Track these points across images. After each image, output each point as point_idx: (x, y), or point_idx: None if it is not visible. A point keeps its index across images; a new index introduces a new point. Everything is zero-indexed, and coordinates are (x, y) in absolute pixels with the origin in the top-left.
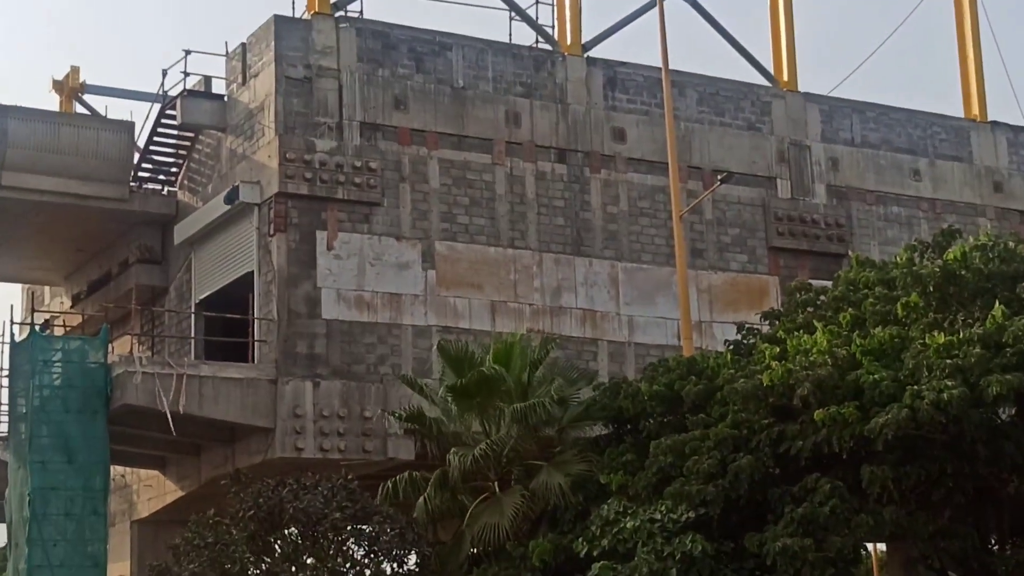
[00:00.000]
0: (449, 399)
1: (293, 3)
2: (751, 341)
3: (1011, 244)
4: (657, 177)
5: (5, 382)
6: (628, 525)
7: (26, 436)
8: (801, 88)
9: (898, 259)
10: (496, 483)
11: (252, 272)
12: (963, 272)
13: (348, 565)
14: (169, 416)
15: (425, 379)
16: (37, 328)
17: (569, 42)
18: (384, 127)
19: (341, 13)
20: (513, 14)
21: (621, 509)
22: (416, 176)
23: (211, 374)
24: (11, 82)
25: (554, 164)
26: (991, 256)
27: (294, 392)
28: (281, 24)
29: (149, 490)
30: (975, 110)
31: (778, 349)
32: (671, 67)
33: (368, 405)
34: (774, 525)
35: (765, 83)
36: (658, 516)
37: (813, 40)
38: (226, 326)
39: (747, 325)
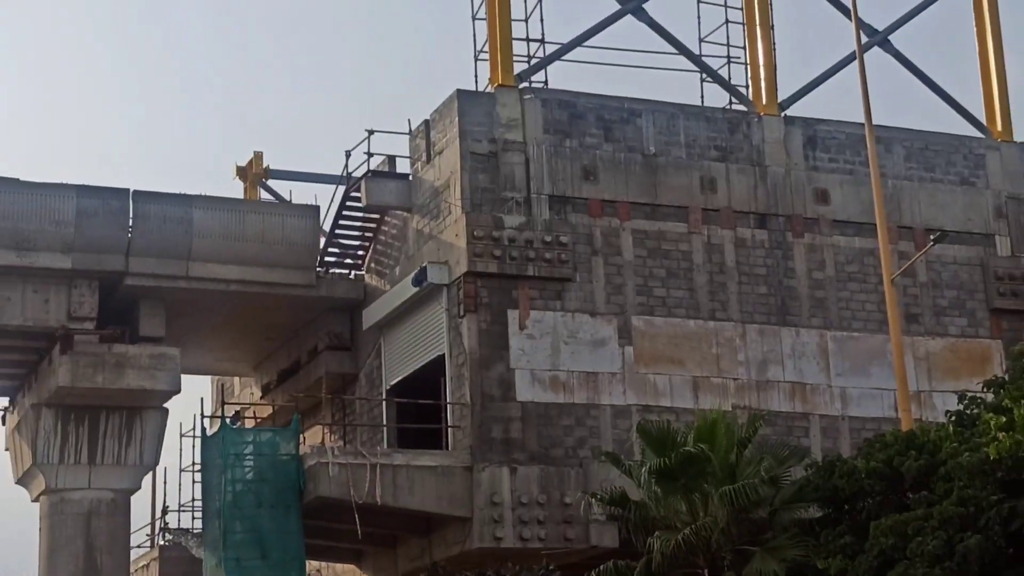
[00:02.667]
0: (652, 481)
1: (476, 77)
2: (975, 411)
3: None
4: (865, 239)
5: (199, 477)
6: None
7: (220, 532)
8: (1017, 138)
9: None
10: (705, 570)
11: (443, 355)
12: None
13: None
14: (356, 511)
15: (628, 461)
16: (228, 420)
17: (765, 101)
18: (574, 199)
19: (525, 84)
20: (704, 76)
21: None
22: (609, 249)
23: (405, 463)
24: (195, 170)
25: (754, 230)
26: None
27: (491, 479)
28: (464, 99)
29: None
30: None
31: (1004, 419)
32: (875, 122)
33: (568, 490)
34: None
35: (978, 134)
36: None
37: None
38: (418, 412)
39: (970, 394)
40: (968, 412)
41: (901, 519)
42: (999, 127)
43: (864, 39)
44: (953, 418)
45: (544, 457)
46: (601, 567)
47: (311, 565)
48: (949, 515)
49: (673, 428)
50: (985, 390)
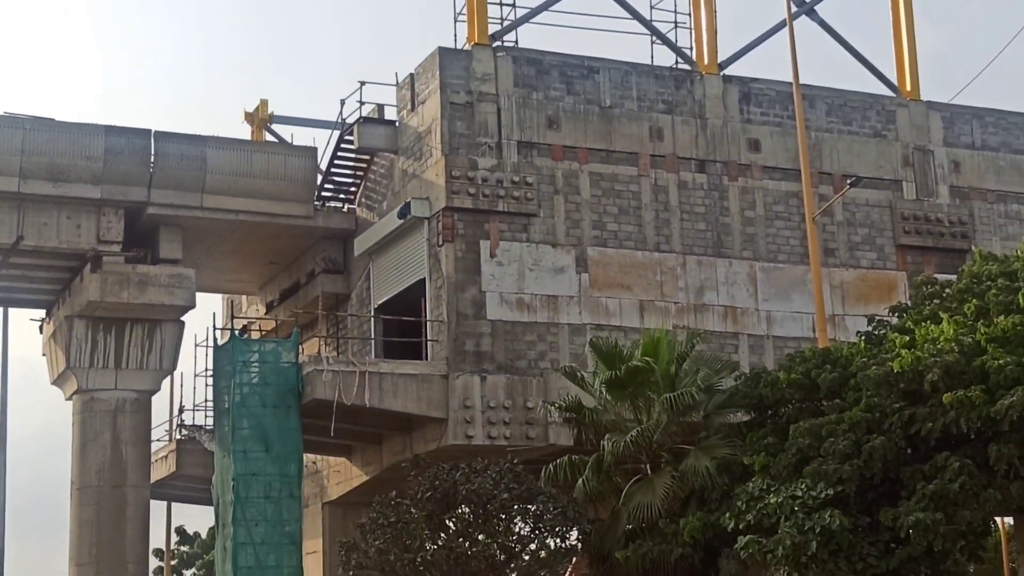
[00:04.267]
0: (603, 390)
1: (455, 36)
2: (882, 332)
3: None
4: (791, 183)
5: (211, 382)
6: (772, 501)
7: (229, 429)
8: (923, 97)
9: (1019, 252)
10: (648, 466)
11: (424, 279)
12: None
13: (515, 540)
14: (350, 408)
15: (581, 372)
16: (236, 333)
17: (706, 62)
18: (539, 145)
19: (498, 43)
20: (654, 38)
21: (764, 487)
22: (569, 188)
23: (390, 371)
24: (209, 114)
25: (695, 174)
26: None
27: (464, 386)
28: (445, 55)
29: (338, 475)
30: None
31: (907, 338)
32: (801, 81)
33: (530, 397)
34: (907, 501)
35: (890, 93)
36: (799, 493)
37: (933, 51)
38: (402, 328)
39: (878, 317)
40: (876, 332)
41: (816, 423)
42: (908, 87)
43: (794, 8)
44: (863, 337)
45: (510, 368)
46: (558, 461)
47: (308, 458)
48: (857, 420)
49: (621, 345)
50: (891, 314)
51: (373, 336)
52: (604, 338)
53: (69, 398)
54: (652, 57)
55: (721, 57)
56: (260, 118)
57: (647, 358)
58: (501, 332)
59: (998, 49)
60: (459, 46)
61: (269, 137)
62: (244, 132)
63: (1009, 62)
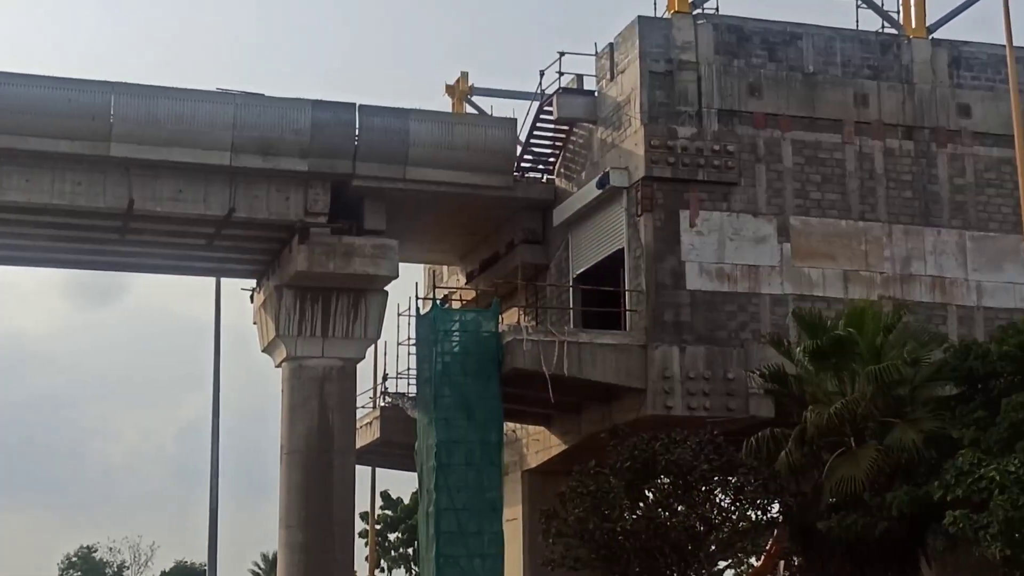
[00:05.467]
0: (806, 360)
1: (655, 4)
2: None
3: None
4: (1003, 150)
5: (414, 350)
6: (987, 474)
7: (431, 397)
8: None
9: None
10: (852, 439)
11: (623, 249)
12: None
13: (716, 512)
14: (549, 380)
15: (786, 339)
16: (438, 303)
17: (914, 25)
18: (740, 113)
19: (698, 11)
20: (860, 1)
21: (976, 461)
22: (771, 157)
23: (589, 341)
24: (412, 88)
25: (901, 141)
26: None
27: (663, 356)
28: (644, 24)
29: (536, 444)
30: None
31: None
32: (1015, 44)
33: (730, 367)
34: None
35: None
36: (1012, 468)
37: None
38: (600, 298)
39: None
40: None
41: None
42: None
43: None
44: None
45: (709, 338)
46: (759, 434)
47: (508, 426)
48: None
49: (824, 316)
50: None
51: (572, 306)
52: (807, 309)
53: (278, 365)
54: (857, 22)
55: (930, 20)
56: (461, 90)
57: (851, 329)
58: (701, 302)
59: None
60: (659, 14)
61: (469, 109)
62: (445, 104)
63: None
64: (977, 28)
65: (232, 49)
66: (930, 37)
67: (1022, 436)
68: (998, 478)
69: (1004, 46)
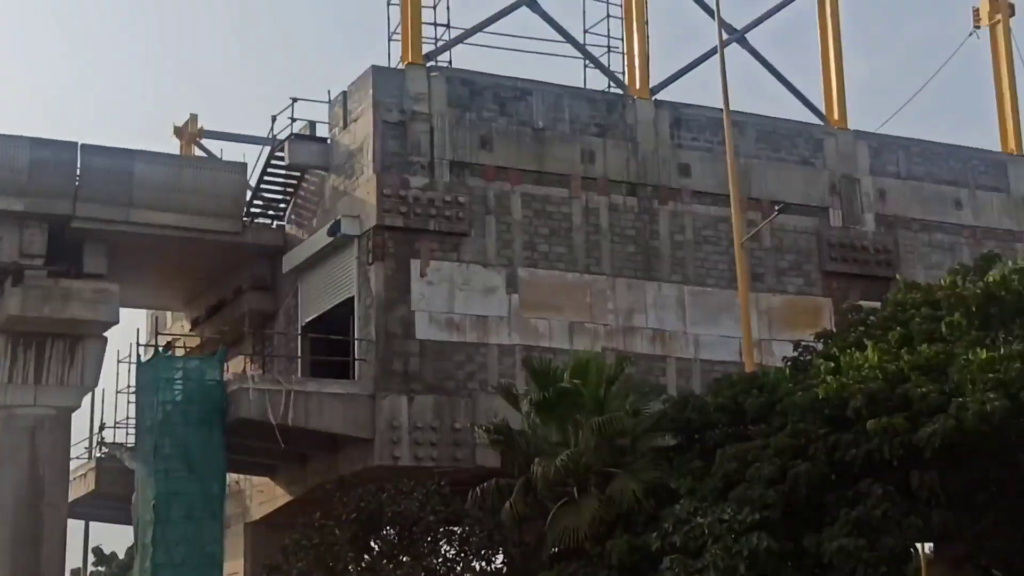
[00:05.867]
0: (533, 411)
1: (389, 54)
2: (807, 358)
3: None
4: (720, 208)
5: (134, 399)
6: (700, 522)
7: (151, 447)
8: (851, 126)
9: (943, 282)
10: (575, 489)
11: (353, 297)
12: (1003, 293)
13: (441, 563)
14: (276, 430)
15: (515, 388)
16: (161, 350)
17: (638, 86)
18: (471, 165)
19: (432, 63)
20: (587, 62)
21: (692, 509)
22: (501, 209)
23: (316, 390)
24: (138, 128)
25: (625, 197)
26: None
27: (391, 406)
28: (379, 73)
29: (261, 495)
30: (1012, 144)
31: (832, 365)
32: (731, 108)
33: (458, 417)
34: (830, 526)
35: (818, 122)
36: (726, 516)
37: (862, 81)
38: (329, 346)
39: (803, 343)
40: (802, 358)
41: (743, 447)
42: (836, 116)
43: (724, 36)
44: (789, 363)
45: (438, 388)
46: (485, 484)
47: (231, 477)
48: (783, 445)
49: (554, 366)
50: (816, 340)
51: (300, 354)
52: (536, 358)
53: None
54: (585, 80)
55: (653, 82)
56: (190, 133)
57: (576, 381)
58: (430, 352)
59: (927, 79)
60: (393, 65)
61: (199, 152)
62: (173, 147)
63: (935, 93)
64: (697, 91)
65: None
66: (653, 98)
67: (735, 486)
68: (712, 526)
69: (721, 109)
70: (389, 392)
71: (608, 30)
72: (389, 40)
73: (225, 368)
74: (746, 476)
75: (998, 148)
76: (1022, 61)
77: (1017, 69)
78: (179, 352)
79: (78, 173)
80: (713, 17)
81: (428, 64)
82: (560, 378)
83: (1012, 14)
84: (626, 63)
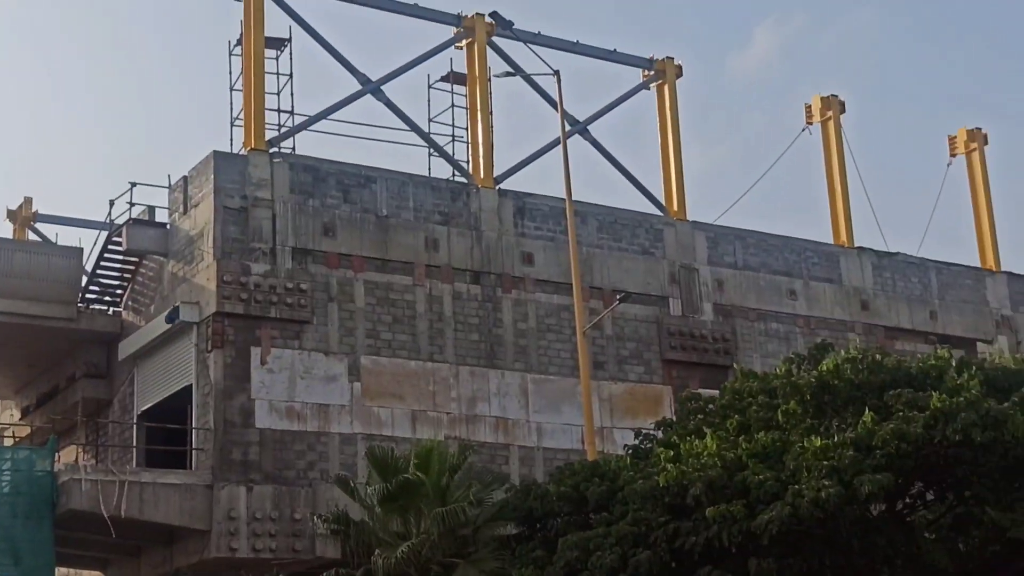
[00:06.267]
0: (375, 502)
1: (231, 140)
2: (648, 446)
3: (877, 356)
4: (562, 297)
5: None
6: None
7: None
8: (690, 217)
9: (778, 370)
10: None
11: (191, 385)
12: (836, 382)
13: None
14: (109, 520)
15: (353, 481)
16: None
17: (482, 175)
18: (314, 252)
19: (275, 149)
20: (432, 151)
21: None
22: (343, 296)
23: (151, 480)
24: None
25: (469, 285)
26: (860, 368)
27: (229, 496)
28: (220, 159)
29: None
30: (843, 236)
31: (672, 453)
32: (574, 198)
33: (298, 508)
34: None
35: (658, 212)
36: None
37: (702, 172)
38: (166, 436)
39: (644, 431)
40: (643, 446)
41: (584, 536)
42: (675, 207)
43: (567, 127)
44: (630, 451)
45: (278, 478)
46: (325, 575)
47: (61, 571)
48: (624, 533)
49: (396, 455)
50: (657, 428)
51: (135, 444)
52: (380, 447)
53: None
54: (429, 169)
55: (497, 171)
56: (23, 216)
57: (418, 473)
58: (270, 441)
59: (763, 172)
60: (235, 151)
61: (33, 236)
62: (6, 231)
63: (771, 185)
64: (541, 181)
65: None
66: (497, 187)
67: (577, 574)
68: None
69: (564, 199)
70: (227, 482)
71: (453, 119)
72: (232, 125)
73: (56, 458)
74: (588, 564)
75: (830, 240)
76: (852, 157)
77: (848, 164)
78: (7, 442)
79: None
80: (556, 108)
81: (271, 150)
82: (402, 468)
83: (843, 111)
84: (470, 152)
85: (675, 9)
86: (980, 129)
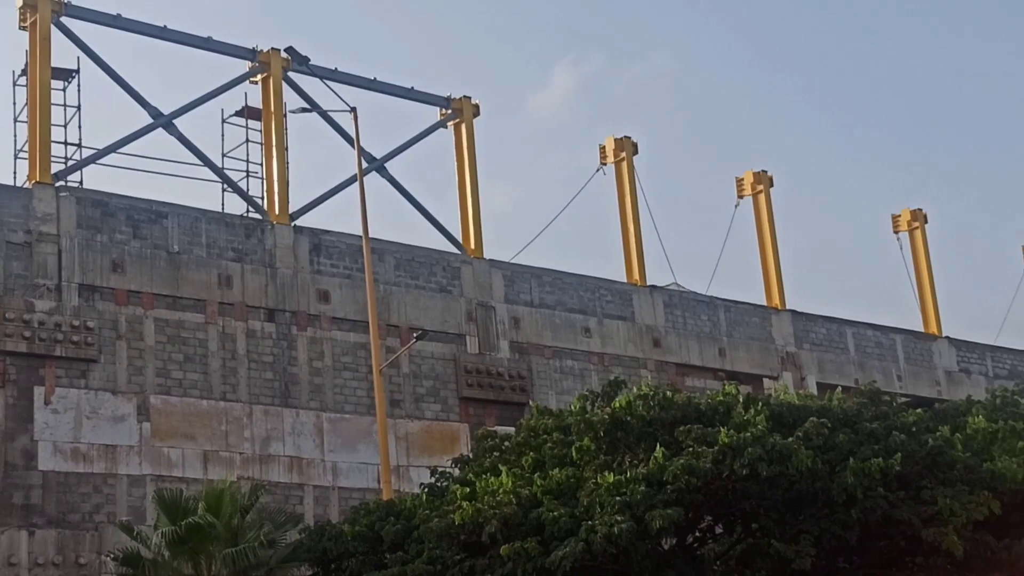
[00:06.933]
0: (163, 546)
1: (15, 173)
2: (444, 484)
3: (668, 393)
4: (359, 335)
5: None
6: None
7: None
8: (487, 255)
9: (572, 407)
10: None
11: None
12: (629, 419)
13: None
14: None
15: (140, 525)
16: None
17: (278, 212)
18: (102, 288)
19: (62, 183)
20: (225, 186)
21: None
22: (132, 334)
23: None
24: None
25: (264, 323)
26: (652, 404)
27: (9, 541)
28: (2, 192)
29: None
30: (636, 275)
31: (468, 490)
32: (372, 235)
33: (83, 552)
34: None
35: (455, 251)
36: None
37: (503, 210)
38: None
39: (440, 469)
40: (439, 484)
41: (379, 575)
42: (472, 245)
43: (364, 164)
44: (426, 489)
45: (62, 521)
46: None
47: None
48: (420, 572)
49: (186, 497)
50: (453, 466)
51: None
52: (167, 489)
53: None
54: (223, 204)
55: (293, 208)
56: None
57: (207, 515)
58: (53, 484)
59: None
60: (19, 184)
61: None
62: None
63: (568, 224)
64: (338, 218)
65: None
66: (293, 224)
67: None
68: None
69: (361, 236)
70: (8, 527)
71: (247, 154)
72: (15, 158)
73: None
74: None
75: (624, 279)
76: (644, 197)
77: (640, 204)
78: None
79: None
80: (353, 145)
81: (57, 184)
82: (192, 510)
83: (636, 152)
84: (265, 188)
85: (476, 47)
86: (766, 172)
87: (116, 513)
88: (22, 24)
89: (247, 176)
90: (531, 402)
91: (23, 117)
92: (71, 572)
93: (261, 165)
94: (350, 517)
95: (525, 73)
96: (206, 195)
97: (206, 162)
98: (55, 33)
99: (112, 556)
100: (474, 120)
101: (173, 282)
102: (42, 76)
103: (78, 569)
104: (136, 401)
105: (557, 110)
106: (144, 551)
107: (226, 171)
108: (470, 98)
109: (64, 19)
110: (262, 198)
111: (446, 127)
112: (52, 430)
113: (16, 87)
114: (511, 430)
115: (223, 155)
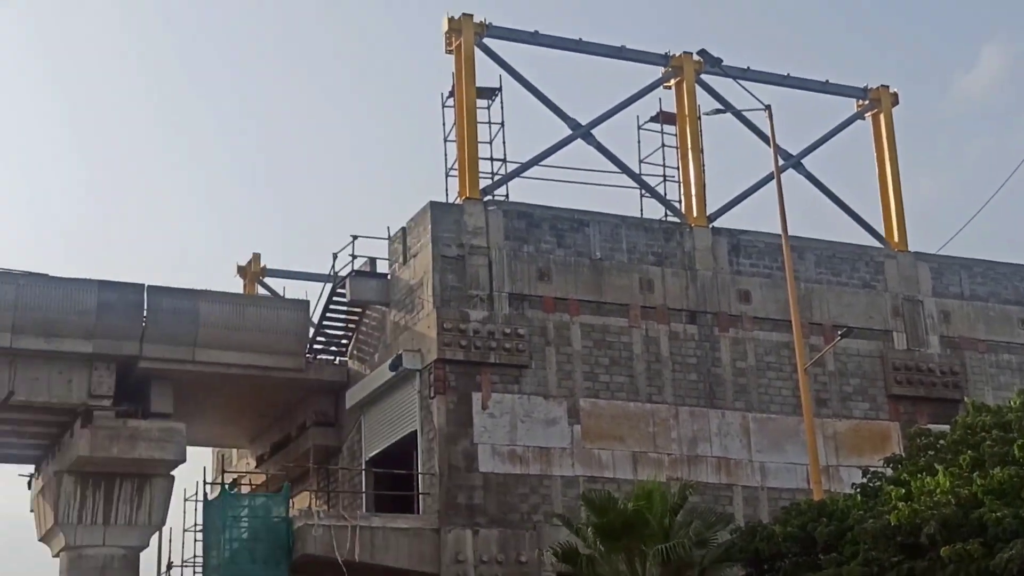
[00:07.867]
0: (597, 540)
1: (447, 191)
2: (877, 484)
3: None
4: (781, 334)
5: (200, 537)
6: None
7: None
8: (911, 248)
9: (1012, 403)
10: None
11: (416, 431)
12: None
13: None
14: (343, 564)
15: (576, 522)
16: (227, 487)
17: (695, 214)
18: (530, 297)
19: (489, 197)
20: (643, 192)
21: None
22: (560, 340)
23: (381, 525)
24: (202, 268)
25: (686, 325)
26: None
27: (456, 540)
28: (436, 209)
29: None
30: None
31: (903, 490)
32: (790, 233)
33: (523, 549)
34: None
35: (877, 244)
36: None
37: (927, 200)
38: (393, 481)
39: (872, 469)
40: (871, 484)
41: None
42: (896, 239)
43: (781, 162)
44: (859, 489)
45: (503, 521)
46: None
47: None
48: (856, 574)
49: (613, 496)
50: (886, 465)
51: (364, 489)
52: (596, 490)
53: (56, 555)
54: (641, 210)
55: (710, 209)
56: (253, 272)
57: (642, 510)
58: (493, 485)
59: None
60: (450, 200)
61: (262, 291)
62: (237, 285)
63: (997, 212)
64: (755, 218)
65: (9, 228)
66: (711, 225)
67: None
68: None
69: (780, 235)
70: (454, 526)
71: (664, 159)
72: (447, 176)
73: (291, 504)
74: None
75: None
76: None
77: None
78: (245, 489)
79: (144, 314)
80: (769, 144)
81: (485, 198)
82: (622, 508)
83: None
84: (682, 191)
85: (893, 35)
86: None
87: (551, 512)
88: (448, 48)
89: (664, 180)
90: (965, 399)
91: (452, 136)
92: (513, 570)
93: (677, 169)
94: (781, 517)
95: (948, 57)
96: (625, 202)
97: (624, 169)
98: (478, 54)
99: (552, 551)
100: (892, 109)
101: (596, 288)
102: (468, 96)
103: (519, 567)
104: (567, 404)
105: (985, 92)
106: (581, 546)
107: (644, 177)
108: (888, 87)
109: (486, 40)
110: (680, 201)
111: (863, 118)
112: (490, 433)
113: (444, 108)
114: (945, 428)
115: (640, 161)
